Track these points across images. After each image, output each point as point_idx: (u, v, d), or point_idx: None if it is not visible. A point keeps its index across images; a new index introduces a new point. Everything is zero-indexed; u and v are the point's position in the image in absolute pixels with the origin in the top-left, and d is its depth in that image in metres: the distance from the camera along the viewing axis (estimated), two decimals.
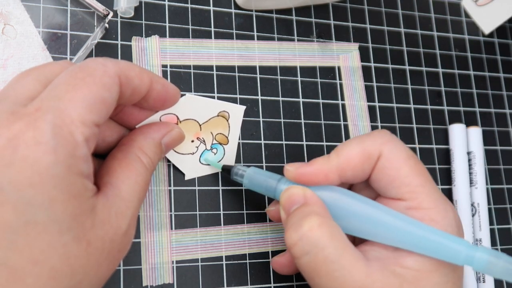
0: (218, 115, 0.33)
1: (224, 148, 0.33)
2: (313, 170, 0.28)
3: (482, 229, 0.38)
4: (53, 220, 0.20)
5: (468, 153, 0.40)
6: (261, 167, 0.34)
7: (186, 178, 0.32)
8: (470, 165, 0.40)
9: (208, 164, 0.33)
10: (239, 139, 0.34)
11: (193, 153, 0.32)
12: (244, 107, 0.34)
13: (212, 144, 0.33)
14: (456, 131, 0.40)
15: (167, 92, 0.27)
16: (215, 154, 0.33)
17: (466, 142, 0.40)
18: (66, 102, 0.21)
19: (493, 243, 0.39)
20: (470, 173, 0.39)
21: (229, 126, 0.33)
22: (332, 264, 0.24)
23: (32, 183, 0.20)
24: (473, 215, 0.39)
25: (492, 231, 0.40)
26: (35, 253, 0.20)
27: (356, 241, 0.29)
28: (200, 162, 0.32)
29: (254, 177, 0.30)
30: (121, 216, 0.23)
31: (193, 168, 0.32)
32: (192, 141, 0.32)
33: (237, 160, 0.34)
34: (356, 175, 0.28)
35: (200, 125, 0.32)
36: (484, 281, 0.37)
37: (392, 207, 0.27)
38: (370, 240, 0.27)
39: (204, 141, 0.32)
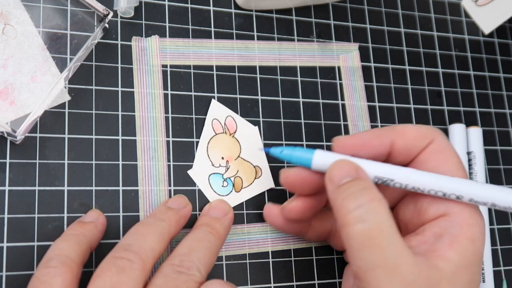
0: (254, 166, 0.33)
1: (232, 191, 0.33)
2: (368, 140, 0.28)
3: None
4: None
5: (468, 153, 0.40)
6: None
7: (189, 172, 0.32)
8: (470, 165, 0.40)
9: (212, 188, 0.32)
10: (242, 202, 0.33)
11: (212, 165, 0.33)
12: (273, 184, 0.34)
13: (228, 177, 0.33)
14: (456, 131, 0.40)
15: None
16: (222, 186, 0.33)
17: (466, 142, 0.40)
18: None
19: (493, 243, 0.39)
20: (470, 173, 0.39)
21: (251, 182, 0.33)
22: (386, 239, 0.24)
23: None
24: None
25: (492, 231, 0.40)
26: None
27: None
28: (208, 178, 0.32)
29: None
30: None
31: (201, 174, 0.32)
32: (222, 158, 0.33)
33: None
34: (407, 149, 0.28)
35: (238, 155, 0.33)
36: (484, 281, 0.37)
37: None
38: (406, 236, 0.27)
39: (227, 168, 0.33)
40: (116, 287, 0.24)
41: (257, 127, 0.33)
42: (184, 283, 0.25)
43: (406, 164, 0.29)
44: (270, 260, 0.33)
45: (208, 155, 0.33)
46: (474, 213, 0.26)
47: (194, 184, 0.32)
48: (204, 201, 0.32)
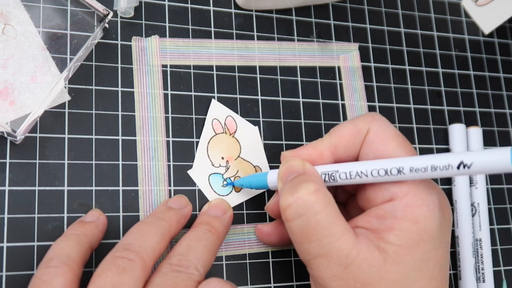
0: (254, 166, 0.34)
1: (232, 191, 0.33)
2: (308, 151, 0.29)
3: (482, 229, 0.38)
4: None
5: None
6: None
7: (189, 172, 0.32)
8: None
9: (212, 188, 0.33)
10: (242, 202, 0.33)
11: (212, 164, 0.33)
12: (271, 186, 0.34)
13: (229, 177, 0.33)
14: (456, 131, 0.40)
15: None
16: (222, 186, 0.33)
17: (466, 142, 0.40)
18: None
19: (493, 243, 0.39)
20: None
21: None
22: (323, 229, 0.25)
23: None
24: (473, 215, 0.39)
25: (492, 231, 0.40)
26: None
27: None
28: (208, 178, 0.32)
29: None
30: None
31: (201, 174, 0.32)
32: (222, 158, 0.33)
33: None
34: (347, 151, 0.29)
35: (239, 155, 0.33)
36: (484, 281, 0.37)
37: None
38: (356, 219, 0.28)
39: (227, 168, 0.33)
40: (117, 286, 0.24)
41: (257, 127, 0.33)
42: (183, 282, 0.25)
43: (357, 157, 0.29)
44: (270, 260, 0.33)
45: (208, 155, 0.33)
46: (421, 192, 0.26)
47: (194, 184, 0.32)
48: (204, 201, 0.32)
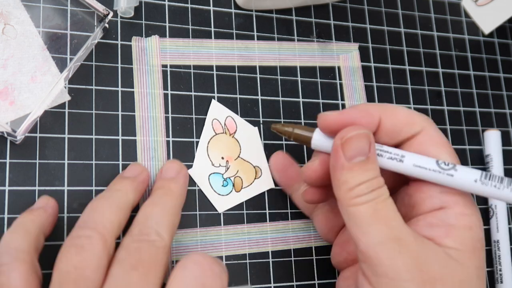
0: (254, 166, 0.33)
1: (232, 191, 0.33)
2: (359, 112, 0.27)
3: (499, 231, 0.39)
4: None
5: (486, 156, 0.41)
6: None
7: (189, 171, 0.32)
8: (488, 167, 0.40)
9: (212, 187, 0.32)
10: (244, 200, 0.33)
11: (212, 164, 0.32)
12: (273, 185, 0.33)
13: (229, 177, 0.33)
14: (492, 137, 0.41)
15: None
16: (222, 186, 0.33)
17: (501, 148, 0.41)
18: None
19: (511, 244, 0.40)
20: None
21: (251, 182, 0.33)
22: (390, 212, 0.25)
23: None
24: (490, 218, 0.39)
25: (510, 230, 0.40)
26: None
27: None
28: (208, 178, 0.32)
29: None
30: None
31: (201, 173, 0.32)
32: (222, 158, 0.33)
33: None
34: (394, 131, 0.27)
35: (238, 155, 0.33)
36: (502, 282, 0.37)
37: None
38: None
39: (227, 168, 0.33)
40: (79, 266, 0.23)
41: (256, 128, 0.33)
42: (146, 252, 0.25)
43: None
44: (270, 260, 0.33)
45: (208, 155, 0.33)
46: (469, 203, 0.26)
47: (194, 184, 0.32)
48: (204, 201, 0.32)
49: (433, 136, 0.27)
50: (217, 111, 0.33)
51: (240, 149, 0.33)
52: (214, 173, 0.33)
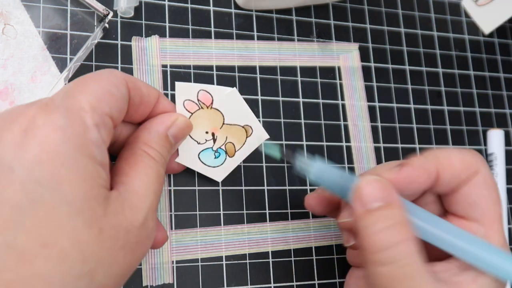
0: (243, 126, 0.32)
1: (226, 158, 0.32)
2: (413, 170, 0.26)
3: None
4: (61, 200, 0.20)
5: (489, 155, 0.41)
6: (261, 167, 0.34)
7: (177, 160, 0.31)
8: (491, 166, 0.41)
9: (205, 164, 0.32)
10: (242, 161, 0.33)
11: (198, 143, 0.31)
12: (267, 136, 0.32)
13: (219, 147, 0.32)
14: (496, 136, 0.41)
15: (171, 108, 0.29)
16: (214, 158, 0.32)
17: (504, 147, 0.42)
18: (76, 93, 0.22)
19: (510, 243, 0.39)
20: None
21: (244, 143, 0.32)
22: (412, 281, 0.24)
23: (40, 161, 0.20)
24: None
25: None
26: (44, 235, 0.20)
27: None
28: (198, 157, 0.32)
29: (326, 175, 0.27)
30: (136, 209, 0.23)
31: (189, 157, 0.31)
32: (207, 132, 0.31)
33: None
34: (452, 181, 0.27)
35: (223, 123, 0.32)
36: None
37: (465, 228, 0.27)
38: (434, 262, 0.27)
39: (215, 139, 0.32)
40: None
41: (234, 88, 0.31)
42: None
43: (447, 194, 0.28)
44: (270, 260, 0.33)
45: (190, 136, 0.31)
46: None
47: (194, 184, 0.32)
48: (204, 201, 0.32)
49: (487, 178, 0.27)
50: (185, 92, 0.31)
51: (223, 116, 0.32)
52: (202, 150, 0.32)
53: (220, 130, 0.31)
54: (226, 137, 0.32)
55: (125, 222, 0.22)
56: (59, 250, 0.20)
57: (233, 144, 0.32)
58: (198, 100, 0.30)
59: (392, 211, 0.25)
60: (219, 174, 0.32)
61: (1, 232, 0.19)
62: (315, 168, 0.27)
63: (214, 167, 0.32)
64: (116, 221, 0.22)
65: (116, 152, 0.27)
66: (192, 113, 0.31)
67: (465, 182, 0.27)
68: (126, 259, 0.22)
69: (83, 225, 0.20)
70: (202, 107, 0.31)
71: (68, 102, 0.22)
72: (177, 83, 0.30)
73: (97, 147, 0.22)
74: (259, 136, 0.32)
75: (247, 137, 0.32)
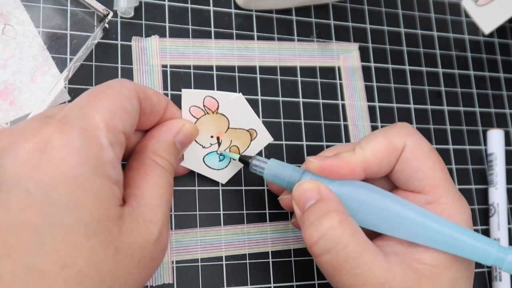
0: (247, 130, 0.32)
1: (230, 161, 0.32)
2: (339, 163, 0.27)
3: (500, 229, 0.39)
4: (78, 222, 0.20)
5: (489, 155, 0.41)
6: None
7: (182, 164, 0.31)
8: (491, 166, 0.41)
9: (209, 167, 0.32)
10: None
11: (203, 147, 0.32)
12: (271, 139, 0.32)
13: (224, 151, 0.32)
14: (496, 136, 0.41)
15: (179, 114, 0.29)
16: (219, 161, 0.32)
17: (504, 147, 0.42)
18: (90, 110, 0.22)
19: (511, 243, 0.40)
20: (491, 174, 0.41)
21: (248, 146, 0.32)
22: (354, 261, 0.25)
23: (57, 184, 0.20)
24: (491, 216, 0.40)
25: (510, 230, 0.40)
26: (62, 257, 0.20)
27: (371, 236, 0.29)
28: (203, 160, 0.32)
29: (276, 169, 0.29)
30: (150, 223, 0.23)
31: (194, 161, 0.32)
32: (212, 136, 0.32)
33: None
34: (381, 169, 0.28)
35: (228, 127, 0.32)
36: (501, 280, 0.37)
37: (411, 200, 0.27)
38: (386, 235, 0.27)
39: (220, 143, 0.32)
40: None
41: (240, 93, 0.31)
42: None
43: (388, 173, 0.29)
44: (270, 260, 0.33)
45: (195, 141, 0.32)
46: (455, 213, 0.27)
47: (194, 184, 0.32)
48: (204, 201, 0.32)
49: (413, 149, 0.28)
50: (191, 98, 0.31)
51: (228, 121, 0.32)
52: (207, 154, 0.32)
53: (225, 134, 0.32)
54: (231, 141, 0.32)
55: (140, 239, 0.23)
56: (78, 271, 0.20)
57: (237, 147, 0.32)
58: (204, 106, 0.31)
59: (323, 204, 0.26)
60: (223, 176, 0.33)
61: (22, 254, 0.19)
62: (268, 167, 0.29)
63: (218, 169, 0.32)
64: (131, 239, 0.22)
65: (124, 159, 0.27)
66: (197, 119, 0.31)
67: (395, 162, 0.28)
68: (141, 274, 0.23)
69: (100, 245, 0.21)
70: (207, 113, 0.31)
71: (84, 120, 0.22)
72: (183, 90, 0.30)
73: (112, 165, 0.22)
74: (264, 139, 0.32)
75: (251, 140, 0.32)
